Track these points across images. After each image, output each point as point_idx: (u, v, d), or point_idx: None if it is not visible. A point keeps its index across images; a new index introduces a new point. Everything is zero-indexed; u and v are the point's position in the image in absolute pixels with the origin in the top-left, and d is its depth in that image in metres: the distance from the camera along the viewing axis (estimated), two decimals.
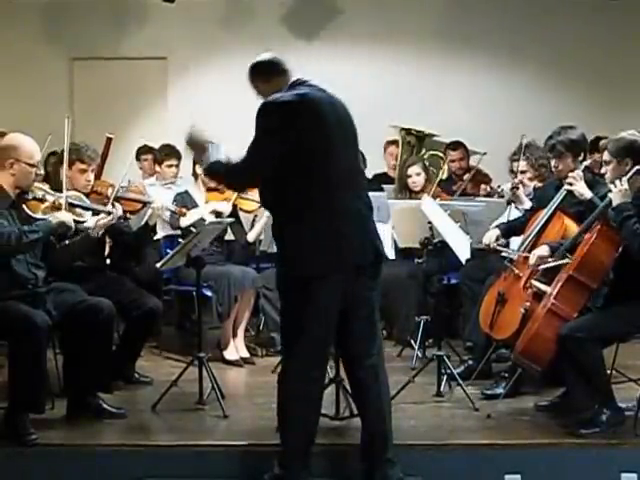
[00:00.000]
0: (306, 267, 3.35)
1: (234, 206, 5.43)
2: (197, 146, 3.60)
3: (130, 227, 4.79)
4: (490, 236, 4.62)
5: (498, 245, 4.61)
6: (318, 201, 3.36)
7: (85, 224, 4.30)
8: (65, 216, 4.04)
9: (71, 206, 4.20)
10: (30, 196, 4.07)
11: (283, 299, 3.48)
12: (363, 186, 3.55)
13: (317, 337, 3.38)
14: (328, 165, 3.36)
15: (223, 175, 3.57)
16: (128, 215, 4.80)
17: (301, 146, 3.33)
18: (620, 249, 3.92)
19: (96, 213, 4.40)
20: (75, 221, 4.16)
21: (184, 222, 5.21)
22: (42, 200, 4.09)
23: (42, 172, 4.20)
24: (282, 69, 3.50)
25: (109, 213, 4.40)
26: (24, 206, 4.05)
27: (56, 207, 4.11)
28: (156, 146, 6.70)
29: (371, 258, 3.45)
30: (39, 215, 4.05)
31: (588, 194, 4.24)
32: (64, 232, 4.11)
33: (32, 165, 4.00)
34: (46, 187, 4.20)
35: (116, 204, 4.52)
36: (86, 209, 4.35)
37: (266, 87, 3.48)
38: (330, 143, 3.37)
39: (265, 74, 3.51)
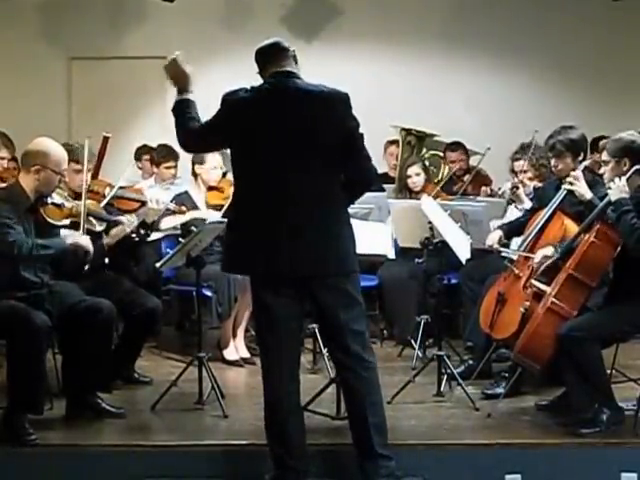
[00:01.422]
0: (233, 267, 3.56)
1: None
2: (176, 74, 3.76)
3: (148, 235, 4.79)
4: (493, 238, 4.62)
5: (502, 247, 4.60)
6: (248, 204, 3.41)
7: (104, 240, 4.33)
8: (84, 240, 4.02)
9: (88, 215, 4.21)
10: (49, 201, 4.07)
11: None
12: (311, 196, 3.35)
13: (270, 346, 3.42)
14: (254, 170, 3.37)
15: (178, 124, 3.58)
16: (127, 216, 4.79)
17: (234, 147, 3.41)
18: (619, 248, 3.92)
19: (112, 224, 4.40)
20: (90, 230, 4.16)
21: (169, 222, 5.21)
22: (60, 207, 4.10)
23: (67, 179, 4.20)
24: (268, 59, 3.47)
25: (123, 223, 4.40)
26: (42, 210, 4.05)
27: (73, 215, 4.13)
28: (155, 145, 6.70)
29: (305, 272, 3.35)
30: (55, 221, 4.07)
31: (588, 195, 4.24)
32: (81, 255, 4.06)
33: (58, 173, 4.02)
34: (65, 194, 4.21)
35: (131, 215, 4.50)
36: (102, 220, 4.36)
37: (260, 74, 3.51)
38: (258, 150, 3.35)
39: (257, 61, 3.52)
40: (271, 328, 3.42)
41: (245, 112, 3.38)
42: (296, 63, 3.51)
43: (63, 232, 4.13)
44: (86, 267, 4.14)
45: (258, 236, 3.36)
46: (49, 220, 4.05)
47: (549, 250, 4.17)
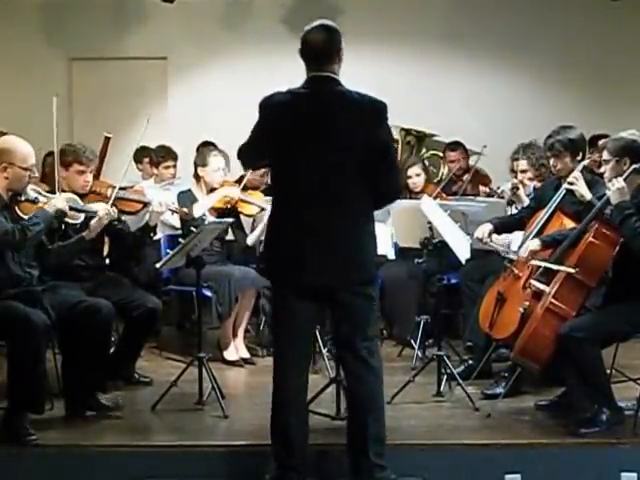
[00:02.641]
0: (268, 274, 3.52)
1: (234, 209, 5.42)
2: None
3: (128, 228, 4.79)
4: (483, 230, 4.59)
5: (492, 241, 4.58)
6: (280, 209, 3.42)
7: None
8: (59, 202, 4.06)
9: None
10: (23, 198, 4.07)
11: None
12: (343, 202, 3.33)
13: (285, 348, 3.43)
14: (287, 175, 3.36)
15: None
16: (126, 217, 4.79)
17: (269, 150, 3.39)
18: (618, 248, 3.92)
19: (89, 214, 4.39)
20: (68, 223, 4.15)
21: (196, 212, 5.21)
22: (35, 202, 4.09)
23: (36, 175, 4.19)
24: (309, 61, 3.36)
25: (100, 216, 4.37)
26: (16, 208, 4.04)
27: None
28: (154, 146, 6.71)
29: (333, 281, 3.35)
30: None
31: (588, 195, 4.24)
32: (61, 218, 4.11)
33: (26, 169, 4.00)
34: (39, 189, 4.20)
35: (108, 206, 4.49)
36: (80, 211, 4.35)
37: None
38: (290, 152, 3.33)
39: (301, 54, 3.43)
40: (289, 331, 3.41)
41: (280, 116, 3.34)
42: (340, 61, 3.39)
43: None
44: (60, 243, 4.22)
45: (289, 244, 3.36)
46: (24, 217, 4.03)
47: (535, 244, 4.17)
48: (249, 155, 3.50)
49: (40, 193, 4.16)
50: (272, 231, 3.46)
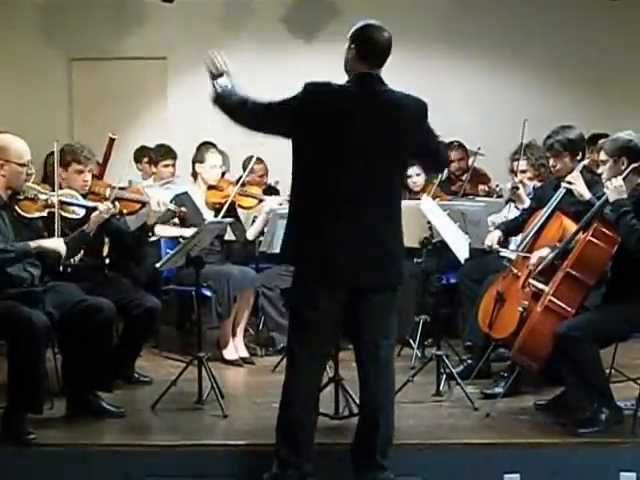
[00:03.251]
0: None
1: (232, 204, 5.42)
2: (213, 66, 3.56)
3: (127, 226, 4.78)
4: (492, 238, 4.63)
5: (501, 247, 4.60)
6: (315, 202, 3.33)
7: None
8: (55, 243, 3.98)
9: (63, 204, 4.19)
10: (22, 196, 4.07)
11: None
12: (384, 203, 3.34)
13: (304, 344, 3.38)
14: (327, 170, 3.29)
15: (233, 108, 3.44)
16: (125, 216, 4.80)
17: (299, 140, 3.31)
18: (617, 247, 3.92)
19: (90, 211, 4.40)
20: (68, 218, 4.14)
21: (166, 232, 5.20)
22: (34, 199, 4.09)
23: (33, 171, 4.19)
24: (365, 57, 3.39)
25: (100, 210, 4.37)
26: (16, 206, 4.05)
27: (48, 205, 4.10)
28: (154, 146, 6.72)
29: (373, 284, 3.34)
30: (31, 215, 4.06)
31: (587, 195, 4.25)
32: (54, 257, 4.02)
33: (22, 165, 4.00)
34: (39, 187, 4.20)
35: (108, 202, 4.49)
36: (79, 206, 4.35)
37: (349, 60, 3.49)
38: (325, 150, 3.28)
39: (356, 44, 3.50)
40: (313, 329, 3.36)
41: (326, 107, 3.29)
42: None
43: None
44: (61, 267, 4.11)
45: (326, 241, 3.29)
46: (24, 214, 4.03)
47: (545, 251, 4.17)
48: (262, 119, 3.38)
49: (39, 191, 4.15)
50: (304, 224, 3.34)
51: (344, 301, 3.35)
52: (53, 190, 4.23)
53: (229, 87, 3.46)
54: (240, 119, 3.43)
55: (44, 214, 4.11)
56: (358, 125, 3.28)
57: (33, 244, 3.95)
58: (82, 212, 4.34)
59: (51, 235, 4.11)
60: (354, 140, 3.28)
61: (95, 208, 4.39)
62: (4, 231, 3.96)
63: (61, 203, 4.15)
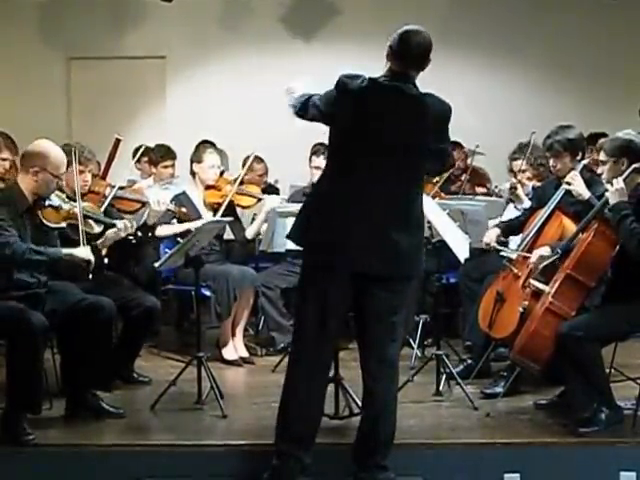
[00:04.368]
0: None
1: (231, 203, 5.41)
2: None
3: (149, 237, 4.76)
4: (490, 235, 4.63)
5: (499, 245, 4.60)
6: (338, 187, 3.37)
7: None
8: (81, 252, 3.98)
9: (85, 217, 4.19)
10: (47, 203, 4.06)
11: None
12: (399, 202, 3.37)
13: (313, 334, 3.37)
14: (355, 159, 3.34)
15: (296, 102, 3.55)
16: (125, 216, 4.78)
17: (337, 129, 3.38)
18: (617, 248, 3.92)
19: (109, 226, 4.38)
20: (86, 232, 4.13)
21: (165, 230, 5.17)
22: (58, 209, 4.09)
23: (63, 182, 4.19)
24: (403, 57, 3.47)
25: (119, 228, 4.35)
26: (39, 212, 4.04)
27: (70, 217, 4.11)
28: (153, 145, 6.71)
29: (378, 271, 3.34)
30: (52, 224, 4.06)
31: (586, 194, 4.24)
32: (83, 265, 4.01)
33: (56, 176, 4.02)
34: (63, 195, 4.20)
35: (126, 220, 4.46)
36: (99, 222, 4.34)
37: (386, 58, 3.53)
38: (355, 142, 3.34)
39: (397, 47, 3.52)
40: (322, 319, 3.36)
41: (354, 101, 3.35)
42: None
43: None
44: (90, 275, 4.08)
45: (343, 226, 3.32)
46: (46, 222, 4.04)
47: (546, 250, 4.17)
48: (321, 108, 3.44)
49: (63, 200, 4.15)
50: (324, 207, 3.39)
51: (349, 292, 3.35)
52: (69, 198, 4.22)
53: (296, 97, 3.55)
54: (310, 119, 3.53)
55: (63, 225, 4.12)
56: (379, 122, 3.34)
57: (65, 251, 3.96)
58: (101, 227, 4.33)
59: (67, 245, 4.10)
60: (371, 131, 3.34)
61: (114, 225, 4.37)
62: (23, 235, 3.95)
63: (83, 216, 4.13)
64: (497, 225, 4.78)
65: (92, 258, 3.98)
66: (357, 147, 3.35)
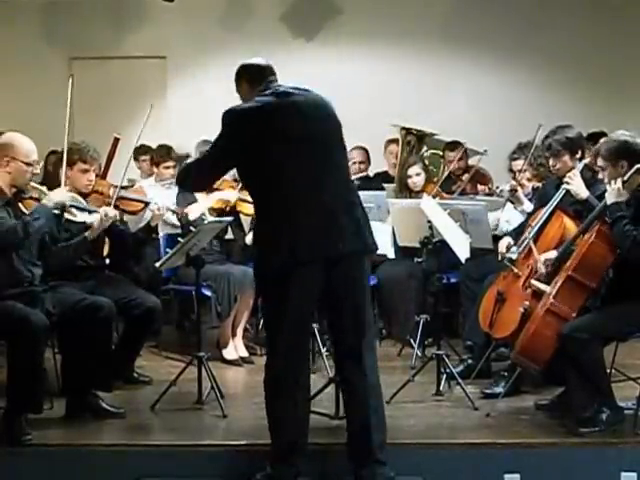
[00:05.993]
0: (263, 266, 3.46)
1: (234, 207, 5.42)
2: None
3: (128, 229, 4.78)
4: (502, 244, 4.57)
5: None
6: (275, 203, 3.40)
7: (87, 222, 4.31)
8: (57, 195, 4.06)
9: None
10: (26, 195, 4.08)
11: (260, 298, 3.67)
12: (339, 182, 3.47)
13: (289, 336, 3.39)
14: (285, 167, 3.37)
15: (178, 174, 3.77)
16: (126, 217, 4.78)
17: (257, 152, 3.39)
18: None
19: (92, 213, 4.39)
20: (70, 221, 4.15)
21: (192, 215, 5.21)
22: (38, 200, 4.09)
23: (39, 171, 4.19)
24: (266, 79, 3.64)
25: (102, 215, 4.38)
26: (20, 204, 4.05)
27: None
28: (154, 145, 6.70)
29: (340, 250, 3.37)
30: None
31: (584, 193, 4.23)
32: (61, 211, 4.11)
33: (28, 164, 4.00)
34: (43, 188, 4.20)
35: (108, 208, 4.48)
36: (82, 210, 4.35)
37: (246, 91, 3.68)
38: (288, 145, 3.37)
39: (248, 76, 3.72)
40: (299, 308, 3.39)
41: (259, 121, 3.42)
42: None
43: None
44: (63, 243, 4.24)
45: (310, 219, 3.35)
46: (27, 213, 4.02)
47: (552, 254, 4.15)
48: (212, 170, 3.58)
49: (43, 191, 4.16)
50: (280, 219, 3.39)
51: (320, 279, 3.36)
52: (50, 189, 4.22)
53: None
54: (184, 180, 3.71)
55: None
56: (293, 123, 3.42)
57: (47, 202, 3.99)
58: (84, 215, 4.33)
59: (52, 242, 4.12)
60: (296, 138, 3.40)
61: (97, 212, 4.38)
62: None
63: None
64: (509, 234, 4.74)
65: (67, 201, 4.11)
66: (282, 153, 3.37)
